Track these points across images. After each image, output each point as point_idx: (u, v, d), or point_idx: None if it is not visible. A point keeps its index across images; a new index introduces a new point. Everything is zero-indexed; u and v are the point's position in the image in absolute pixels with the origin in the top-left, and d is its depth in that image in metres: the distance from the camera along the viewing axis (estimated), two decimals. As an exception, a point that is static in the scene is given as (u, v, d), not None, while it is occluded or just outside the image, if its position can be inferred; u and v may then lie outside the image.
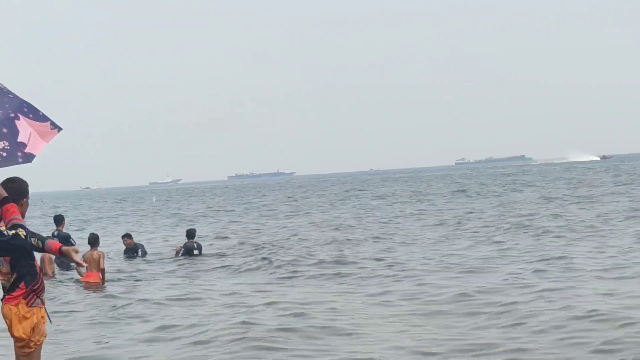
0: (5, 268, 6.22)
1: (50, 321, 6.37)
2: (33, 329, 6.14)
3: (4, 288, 6.27)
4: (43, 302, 6.28)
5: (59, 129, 6.15)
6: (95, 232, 17.06)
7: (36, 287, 6.20)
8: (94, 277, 15.43)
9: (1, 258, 6.21)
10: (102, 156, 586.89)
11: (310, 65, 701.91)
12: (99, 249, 15.96)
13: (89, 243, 15.98)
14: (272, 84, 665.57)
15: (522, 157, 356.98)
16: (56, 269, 17.31)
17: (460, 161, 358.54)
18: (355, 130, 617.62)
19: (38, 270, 6.28)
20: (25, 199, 6.41)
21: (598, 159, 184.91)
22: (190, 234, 20.67)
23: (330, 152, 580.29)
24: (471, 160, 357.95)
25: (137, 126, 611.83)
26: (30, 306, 6.16)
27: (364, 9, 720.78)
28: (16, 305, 6.16)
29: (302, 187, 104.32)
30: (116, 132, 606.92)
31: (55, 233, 17.88)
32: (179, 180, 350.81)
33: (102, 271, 15.43)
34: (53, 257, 16.35)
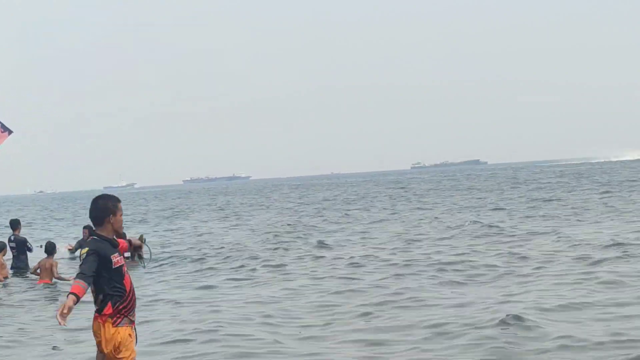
0: (91, 286, 6.35)
1: (136, 342, 6.49)
2: (118, 347, 6.30)
3: (94, 302, 6.44)
4: (132, 322, 6.44)
5: (10, 131, 6.37)
6: (53, 241, 17.09)
7: (122, 307, 6.36)
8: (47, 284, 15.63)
9: None
10: (57, 159, 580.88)
11: (310, 65, 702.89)
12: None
13: (45, 251, 16.08)
14: (272, 84, 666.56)
15: (477, 162, 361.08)
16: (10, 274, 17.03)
17: (416, 165, 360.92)
18: (356, 130, 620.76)
19: (127, 290, 6.42)
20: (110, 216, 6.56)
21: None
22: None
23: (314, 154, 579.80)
24: (427, 165, 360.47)
25: (95, 128, 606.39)
26: (116, 326, 6.32)
27: (364, 9, 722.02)
28: (103, 323, 6.33)
29: (245, 191, 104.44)
30: (74, 135, 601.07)
31: (12, 238, 17.79)
32: (133, 184, 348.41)
33: (59, 278, 15.56)
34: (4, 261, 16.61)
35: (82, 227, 21.40)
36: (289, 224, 30.51)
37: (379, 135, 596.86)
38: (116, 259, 6.40)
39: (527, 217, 27.58)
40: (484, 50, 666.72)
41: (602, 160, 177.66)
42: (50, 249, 16.09)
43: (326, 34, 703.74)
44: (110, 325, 6.29)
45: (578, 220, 25.00)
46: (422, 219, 29.37)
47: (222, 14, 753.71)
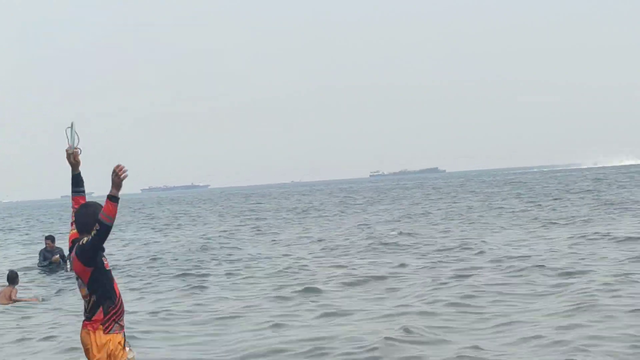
0: (84, 290, 6.17)
1: (130, 348, 6.32)
2: (109, 356, 6.12)
3: (85, 309, 6.23)
4: (122, 327, 6.23)
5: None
6: (14, 270, 16.21)
7: (114, 312, 6.16)
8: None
9: (80, 279, 6.19)
10: (19, 167, 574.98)
11: (310, 65, 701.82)
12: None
13: (8, 280, 15.47)
14: (272, 84, 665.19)
15: (435, 170, 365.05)
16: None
17: (375, 173, 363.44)
18: (356, 131, 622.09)
19: (117, 295, 6.22)
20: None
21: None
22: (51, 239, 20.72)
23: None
24: (385, 173, 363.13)
25: (95, 128, 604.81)
26: (108, 333, 6.12)
27: (364, 9, 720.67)
28: (94, 331, 6.12)
29: (200, 201, 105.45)
30: (36, 143, 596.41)
31: None
32: (91, 193, 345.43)
33: (17, 300, 14.99)
34: None
35: (44, 237, 21.47)
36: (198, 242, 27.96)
37: (380, 136, 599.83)
38: (106, 261, 6.23)
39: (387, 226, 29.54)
40: (484, 50, 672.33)
41: (585, 167, 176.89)
42: (12, 278, 15.40)
43: (326, 34, 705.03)
44: (102, 333, 6.11)
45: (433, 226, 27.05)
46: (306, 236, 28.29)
47: (222, 14, 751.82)
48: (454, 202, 47.50)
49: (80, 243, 6.12)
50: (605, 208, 32.79)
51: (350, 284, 15.15)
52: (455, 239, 23.02)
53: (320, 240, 25.84)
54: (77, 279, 6.21)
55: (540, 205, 38.53)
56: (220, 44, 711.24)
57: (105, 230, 5.94)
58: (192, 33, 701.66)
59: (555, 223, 26.93)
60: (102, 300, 6.11)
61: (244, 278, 17.19)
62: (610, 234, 21.19)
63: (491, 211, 36.20)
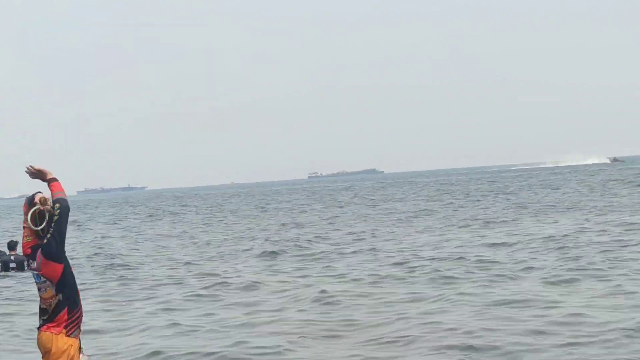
0: (50, 291, 6.05)
1: (84, 353, 6.27)
2: None
3: (43, 313, 6.12)
4: (80, 332, 6.21)
5: None
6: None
7: (78, 315, 6.13)
8: None
9: (47, 281, 6.07)
10: (18, 166, 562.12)
11: (310, 65, 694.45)
12: None
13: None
14: (272, 84, 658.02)
15: (373, 171, 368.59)
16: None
17: (313, 175, 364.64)
18: (356, 130, 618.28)
19: (79, 298, 6.19)
20: None
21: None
22: (11, 246, 19.06)
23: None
24: (324, 174, 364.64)
25: (95, 128, 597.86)
26: (69, 336, 6.06)
27: (364, 9, 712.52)
28: (58, 334, 6.03)
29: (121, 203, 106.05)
30: (35, 142, 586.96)
31: (12, 258, 18.41)
32: (24, 196, 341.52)
33: None
34: None
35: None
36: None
37: (381, 135, 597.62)
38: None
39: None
40: (484, 50, 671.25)
41: (544, 166, 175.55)
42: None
43: (326, 34, 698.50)
44: (64, 336, 6.04)
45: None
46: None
47: (222, 14, 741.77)
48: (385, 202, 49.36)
49: (45, 242, 6.05)
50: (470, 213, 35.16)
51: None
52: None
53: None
54: (42, 283, 6.09)
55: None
56: (220, 44, 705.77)
57: (67, 206, 6.07)
58: (192, 33, 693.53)
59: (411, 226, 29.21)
60: (67, 301, 6.05)
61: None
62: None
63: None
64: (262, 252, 22.05)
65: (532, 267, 16.04)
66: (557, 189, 53.05)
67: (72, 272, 6.11)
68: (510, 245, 20.47)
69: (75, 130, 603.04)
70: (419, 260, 18.16)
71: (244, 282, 15.96)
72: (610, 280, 14.00)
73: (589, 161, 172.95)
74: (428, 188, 74.72)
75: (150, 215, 54.31)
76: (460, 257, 18.05)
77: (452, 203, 43.77)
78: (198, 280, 16.93)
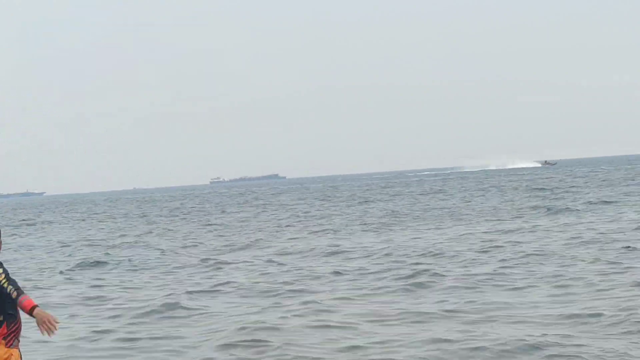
0: None
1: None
2: None
3: None
4: (19, 342, 6.46)
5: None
6: None
7: (15, 327, 6.38)
8: None
9: None
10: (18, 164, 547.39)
11: (310, 65, 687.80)
12: None
13: None
14: (272, 84, 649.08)
15: (275, 176, 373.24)
16: None
17: (215, 180, 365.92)
18: (356, 130, 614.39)
19: (19, 312, 6.40)
20: None
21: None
22: None
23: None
24: (226, 179, 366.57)
25: (95, 128, 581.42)
26: (9, 347, 6.33)
27: (364, 9, 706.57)
28: None
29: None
30: (35, 142, 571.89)
31: None
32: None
33: None
34: None
35: None
36: None
37: (380, 135, 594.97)
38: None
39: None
40: (484, 50, 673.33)
41: (468, 170, 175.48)
42: None
43: (326, 34, 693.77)
44: (4, 347, 6.32)
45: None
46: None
47: (222, 14, 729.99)
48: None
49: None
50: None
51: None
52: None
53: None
54: None
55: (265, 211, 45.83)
56: (220, 44, 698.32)
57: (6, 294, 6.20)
58: (192, 33, 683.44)
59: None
60: (8, 317, 6.31)
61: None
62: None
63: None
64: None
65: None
66: (440, 192, 57.89)
67: (7, 292, 6.22)
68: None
69: (75, 131, 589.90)
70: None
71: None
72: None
73: (521, 165, 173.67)
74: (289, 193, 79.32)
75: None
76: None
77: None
78: None
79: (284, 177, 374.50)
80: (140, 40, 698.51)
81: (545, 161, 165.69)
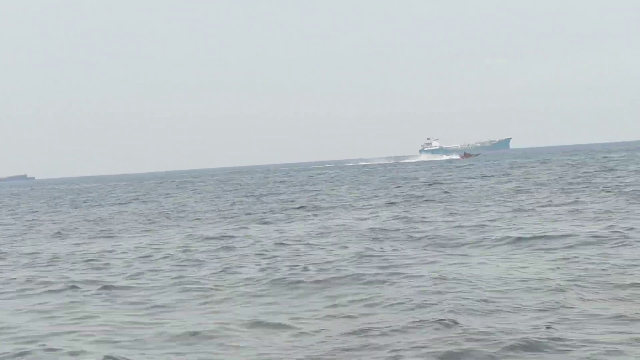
0: None
1: None
2: None
3: None
4: None
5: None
6: None
7: None
8: None
9: None
10: None
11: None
12: None
13: None
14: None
15: (24, 177, 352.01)
16: None
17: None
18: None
19: None
20: None
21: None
22: None
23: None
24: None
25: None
26: None
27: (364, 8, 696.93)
28: None
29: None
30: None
31: None
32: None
33: None
34: None
35: None
36: None
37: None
38: None
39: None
40: None
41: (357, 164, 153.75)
42: None
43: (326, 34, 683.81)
44: None
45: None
46: None
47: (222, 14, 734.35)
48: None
49: None
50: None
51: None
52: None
53: None
54: None
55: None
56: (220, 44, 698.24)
57: None
58: (192, 33, 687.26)
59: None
60: None
61: None
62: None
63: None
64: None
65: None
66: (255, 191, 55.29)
67: None
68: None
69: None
70: None
71: None
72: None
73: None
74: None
75: None
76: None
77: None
78: None
79: (33, 178, 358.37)
80: (140, 40, 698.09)
81: (465, 153, 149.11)
